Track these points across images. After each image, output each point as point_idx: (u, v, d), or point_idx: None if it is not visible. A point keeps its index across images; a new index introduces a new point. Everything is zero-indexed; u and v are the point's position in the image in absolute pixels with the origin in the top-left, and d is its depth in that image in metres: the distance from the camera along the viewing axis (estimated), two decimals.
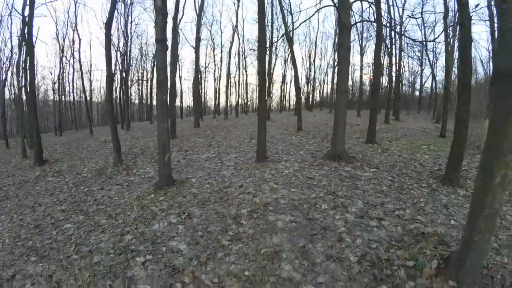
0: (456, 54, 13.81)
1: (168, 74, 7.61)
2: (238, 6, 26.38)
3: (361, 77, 28.04)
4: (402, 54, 20.83)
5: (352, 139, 10.12)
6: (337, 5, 7.80)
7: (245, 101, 32.42)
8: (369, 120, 9.95)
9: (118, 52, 20.57)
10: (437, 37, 19.89)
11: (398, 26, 18.17)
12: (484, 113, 10.72)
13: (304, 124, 13.41)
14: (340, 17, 7.15)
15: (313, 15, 10.14)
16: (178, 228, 3.85)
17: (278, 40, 22.03)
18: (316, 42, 34.32)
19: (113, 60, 18.78)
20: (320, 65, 44.52)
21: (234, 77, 29.29)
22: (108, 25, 8.19)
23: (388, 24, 15.87)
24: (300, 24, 12.50)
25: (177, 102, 27.99)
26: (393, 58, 19.45)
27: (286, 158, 7.28)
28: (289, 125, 14.66)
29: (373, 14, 11.72)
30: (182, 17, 25.42)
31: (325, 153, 7.41)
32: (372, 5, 11.18)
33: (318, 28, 49.30)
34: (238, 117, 24.52)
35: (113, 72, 14.03)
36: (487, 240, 2.74)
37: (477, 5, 13.66)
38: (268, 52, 17.25)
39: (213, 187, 5.34)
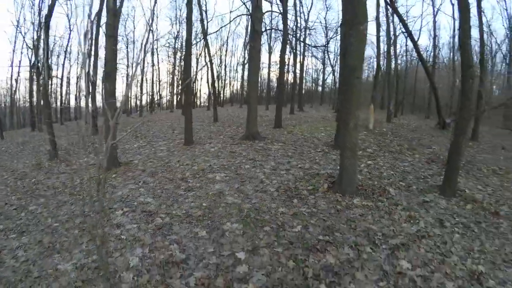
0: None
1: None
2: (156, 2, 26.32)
3: (268, 74, 30.72)
4: (306, 54, 24.10)
5: (263, 126, 11.94)
6: (250, 14, 9.38)
7: (159, 97, 32.52)
8: (276, 109, 11.93)
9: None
10: (327, 44, 23.61)
11: (303, 32, 21.17)
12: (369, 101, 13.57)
13: (218, 117, 14.91)
14: (253, 24, 8.77)
15: (229, 22, 11.70)
16: (140, 190, 5.01)
17: (197, 42, 22.96)
18: (227, 40, 35.97)
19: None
20: (231, 62, 46.64)
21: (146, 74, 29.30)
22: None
23: (292, 32, 18.44)
24: (218, 29, 13.92)
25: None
26: (298, 58, 22.39)
27: (209, 141, 8.71)
28: (205, 118, 16.00)
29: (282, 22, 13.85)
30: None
31: (241, 136, 9.03)
32: (280, 15, 13.25)
33: (229, 28, 51.07)
34: (152, 114, 24.94)
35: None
36: (354, 164, 4.61)
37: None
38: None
39: (156, 164, 6.52)
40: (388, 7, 13.96)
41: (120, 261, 2.95)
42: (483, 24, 11.29)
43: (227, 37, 45.46)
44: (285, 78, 21.07)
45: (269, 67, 29.68)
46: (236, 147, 7.56)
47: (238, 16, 16.01)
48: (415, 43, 12.58)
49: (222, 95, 33.66)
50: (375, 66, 18.40)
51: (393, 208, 4.18)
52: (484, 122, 12.57)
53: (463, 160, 6.18)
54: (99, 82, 16.21)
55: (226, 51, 32.03)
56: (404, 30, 14.12)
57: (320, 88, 36.22)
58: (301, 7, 21.00)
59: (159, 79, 29.89)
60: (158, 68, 28.93)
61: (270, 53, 27.89)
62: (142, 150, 8.29)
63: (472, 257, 3.04)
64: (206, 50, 17.46)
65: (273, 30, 26.08)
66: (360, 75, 4.80)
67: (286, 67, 21.42)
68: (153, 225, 3.69)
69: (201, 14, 16.05)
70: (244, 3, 11.05)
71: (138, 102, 26.68)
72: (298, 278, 2.62)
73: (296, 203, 4.23)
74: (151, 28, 24.11)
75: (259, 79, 34.22)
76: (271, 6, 15.81)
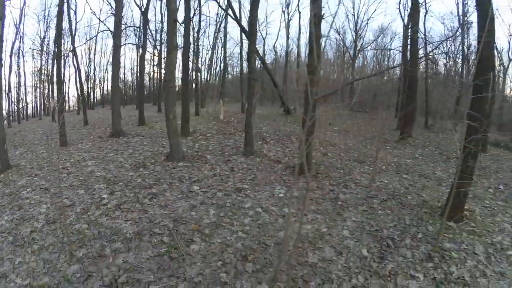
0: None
1: None
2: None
3: (137, 73, 32.04)
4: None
5: (129, 124, 14.35)
6: (111, 31, 11.57)
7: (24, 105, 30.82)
8: (139, 109, 14.46)
9: None
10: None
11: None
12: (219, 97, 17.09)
13: (89, 120, 16.55)
14: (114, 39, 11.02)
15: (96, 35, 13.50)
16: (34, 179, 7.17)
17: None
18: (96, 38, 35.24)
19: None
20: (100, 62, 45.53)
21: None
22: None
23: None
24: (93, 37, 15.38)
25: None
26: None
27: (81, 141, 10.85)
28: (76, 122, 17.36)
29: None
30: None
31: (108, 134, 11.40)
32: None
33: (99, 25, 49.18)
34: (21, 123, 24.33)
35: None
36: (177, 142, 7.69)
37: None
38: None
39: (40, 162, 8.54)
40: None
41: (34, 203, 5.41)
42: None
43: (96, 35, 43.78)
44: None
45: (137, 66, 31.03)
46: (104, 143, 10.01)
47: (103, 31, 17.50)
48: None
49: (92, 97, 33.65)
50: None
51: (203, 165, 7.43)
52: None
53: (254, 130, 9.95)
54: None
55: (95, 49, 31.88)
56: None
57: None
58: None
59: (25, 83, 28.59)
60: (24, 72, 27.69)
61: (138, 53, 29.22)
62: (25, 155, 9.96)
63: (242, 181, 6.39)
64: (74, 57, 18.22)
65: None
66: (173, 85, 7.92)
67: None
68: (49, 193, 6.11)
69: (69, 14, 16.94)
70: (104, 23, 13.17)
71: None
72: (135, 201, 5.53)
73: (141, 170, 7.12)
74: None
75: (130, 78, 35.49)
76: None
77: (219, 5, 17.14)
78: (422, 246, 4.28)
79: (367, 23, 30.38)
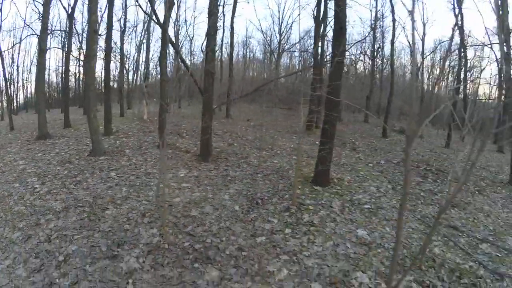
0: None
1: None
2: None
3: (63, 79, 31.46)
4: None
5: (55, 128, 15.04)
6: (37, 35, 12.23)
7: None
8: (64, 113, 15.20)
9: None
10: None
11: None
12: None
13: (14, 125, 16.79)
14: (39, 44, 11.77)
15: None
16: None
17: None
18: (21, 37, 33.26)
19: None
20: (24, 62, 43.06)
21: None
22: None
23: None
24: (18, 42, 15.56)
25: None
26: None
27: (9, 145, 11.58)
28: (1, 128, 17.46)
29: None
30: None
31: (35, 137, 12.22)
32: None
33: (24, 23, 46.01)
34: None
35: None
36: (98, 139, 9.01)
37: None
38: None
39: None
40: None
41: None
42: None
43: (21, 33, 41.16)
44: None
45: (63, 67, 30.58)
46: (32, 146, 10.91)
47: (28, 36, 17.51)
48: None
49: (15, 101, 32.34)
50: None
51: (121, 158, 8.85)
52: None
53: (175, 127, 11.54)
54: None
55: (19, 49, 30.49)
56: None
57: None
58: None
59: None
60: None
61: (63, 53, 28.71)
62: None
63: (152, 167, 7.96)
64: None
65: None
66: (94, 89, 9.22)
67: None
68: None
69: None
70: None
71: None
72: (63, 187, 6.86)
73: (67, 165, 8.37)
74: None
75: (55, 79, 34.60)
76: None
77: (144, 11, 18.16)
78: (285, 202, 5.99)
79: (291, 25, 32.73)
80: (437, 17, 57.97)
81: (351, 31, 57.06)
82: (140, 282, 3.76)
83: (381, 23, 23.64)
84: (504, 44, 10.78)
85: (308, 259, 4.25)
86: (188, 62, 26.61)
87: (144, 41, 22.20)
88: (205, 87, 8.61)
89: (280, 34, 31.03)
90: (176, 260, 4.18)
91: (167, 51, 12.17)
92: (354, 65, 29.29)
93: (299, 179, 7.07)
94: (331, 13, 14.69)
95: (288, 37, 25.22)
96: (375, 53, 25.71)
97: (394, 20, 18.43)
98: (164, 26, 8.35)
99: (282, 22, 31.28)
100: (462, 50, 17.56)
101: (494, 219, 6.56)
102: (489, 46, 17.49)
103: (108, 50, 13.94)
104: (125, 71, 23.74)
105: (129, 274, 3.90)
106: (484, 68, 36.99)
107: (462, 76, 18.79)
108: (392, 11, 19.64)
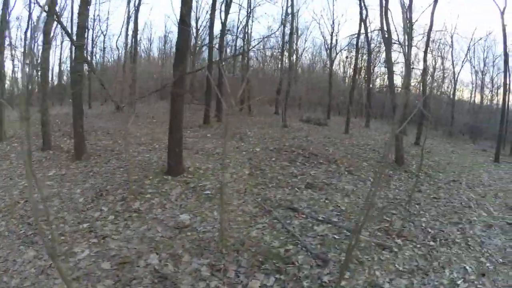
0: None
1: None
2: None
3: None
4: None
5: None
6: None
7: None
8: None
9: None
10: None
11: None
12: None
13: None
14: None
15: None
16: None
17: None
18: None
19: None
20: None
21: None
22: None
23: None
24: None
25: None
26: None
27: None
28: None
29: None
30: None
31: None
32: None
33: None
34: None
35: None
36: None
37: None
38: None
39: None
40: None
41: None
42: None
43: None
44: None
45: None
46: None
47: None
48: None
49: None
50: None
51: (5, 162, 9.10)
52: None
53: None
54: None
55: None
56: None
57: None
58: None
59: None
60: None
61: None
62: None
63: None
64: None
65: None
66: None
67: None
68: None
69: None
70: None
71: None
72: None
73: None
74: None
75: None
76: None
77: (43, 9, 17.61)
78: (125, 192, 6.47)
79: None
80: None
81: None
82: None
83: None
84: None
85: (113, 242, 4.74)
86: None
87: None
88: (72, 87, 9.10)
89: (197, 30, 31.45)
90: (4, 243, 4.94)
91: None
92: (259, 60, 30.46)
93: (154, 170, 8.04)
94: None
95: (205, 32, 25.46)
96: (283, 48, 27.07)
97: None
98: None
99: (199, 18, 31.73)
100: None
101: (354, 198, 6.96)
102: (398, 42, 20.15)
103: None
104: None
105: None
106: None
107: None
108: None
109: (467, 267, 4.42)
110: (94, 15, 23.70)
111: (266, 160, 9.70)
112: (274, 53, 28.31)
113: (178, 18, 7.67)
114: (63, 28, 14.30)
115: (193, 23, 23.21)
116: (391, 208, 6.58)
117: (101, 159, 9.31)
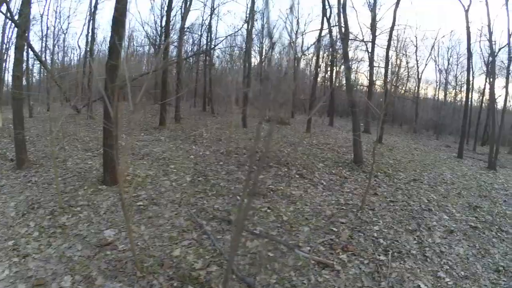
0: None
1: None
2: None
3: None
4: None
5: None
6: None
7: None
8: None
9: None
10: None
11: None
12: None
13: None
14: None
15: None
16: None
17: None
18: None
19: None
20: None
21: None
22: None
23: None
24: None
25: None
26: None
27: None
28: None
29: None
30: None
31: None
32: None
33: None
34: None
35: None
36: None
37: None
38: None
39: None
40: None
41: None
42: None
43: None
44: None
45: None
46: None
47: None
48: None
49: None
50: None
51: None
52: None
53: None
54: None
55: None
56: None
57: None
58: None
59: None
60: None
61: None
62: None
63: None
64: None
65: None
66: None
67: None
68: None
69: None
70: None
71: None
72: None
73: None
74: None
75: None
76: None
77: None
78: (56, 205, 6.16)
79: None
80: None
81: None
82: None
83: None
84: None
85: (33, 262, 4.45)
86: None
87: None
88: (14, 88, 8.93)
89: (161, 27, 31.08)
90: None
91: None
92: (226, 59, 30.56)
93: (94, 179, 8.05)
94: None
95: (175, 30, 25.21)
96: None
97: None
98: None
99: (163, 16, 31.36)
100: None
101: (300, 206, 6.65)
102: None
103: None
104: None
105: None
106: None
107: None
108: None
109: (422, 285, 4.13)
110: (56, 12, 23.12)
111: (213, 164, 9.60)
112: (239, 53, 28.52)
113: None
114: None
115: (158, 21, 23.16)
116: (340, 216, 6.26)
117: (42, 168, 9.21)
